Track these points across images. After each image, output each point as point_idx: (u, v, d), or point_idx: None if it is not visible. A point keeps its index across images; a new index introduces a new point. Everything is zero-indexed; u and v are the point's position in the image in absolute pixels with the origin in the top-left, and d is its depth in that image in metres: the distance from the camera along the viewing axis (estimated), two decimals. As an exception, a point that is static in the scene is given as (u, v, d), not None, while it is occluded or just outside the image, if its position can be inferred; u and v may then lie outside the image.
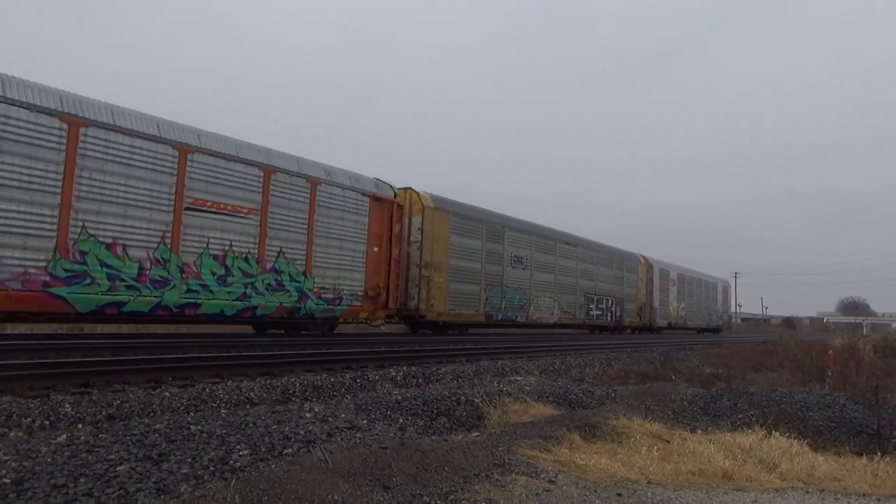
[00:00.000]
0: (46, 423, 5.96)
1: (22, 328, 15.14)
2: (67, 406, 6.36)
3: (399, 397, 7.46)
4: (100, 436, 5.03)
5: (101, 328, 15.91)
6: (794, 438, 6.59)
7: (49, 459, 4.39)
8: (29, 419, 5.93)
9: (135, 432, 5.16)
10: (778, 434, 6.62)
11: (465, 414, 7.20)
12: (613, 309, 30.83)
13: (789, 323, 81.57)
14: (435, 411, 7.12)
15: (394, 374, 10.11)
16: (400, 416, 6.76)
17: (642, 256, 35.77)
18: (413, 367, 11.04)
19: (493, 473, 4.73)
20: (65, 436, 5.02)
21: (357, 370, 10.37)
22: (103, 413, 6.38)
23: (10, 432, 5.59)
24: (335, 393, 8.49)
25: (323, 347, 13.26)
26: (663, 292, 37.03)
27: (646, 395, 8.88)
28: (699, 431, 6.86)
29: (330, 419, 5.99)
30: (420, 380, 10.09)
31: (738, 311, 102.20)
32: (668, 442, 6.11)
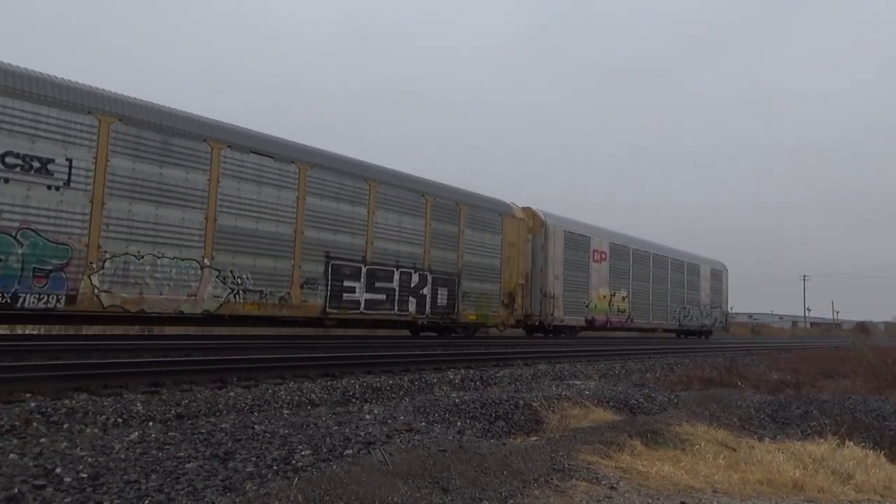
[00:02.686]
0: (120, 420, 6.11)
1: (96, 329, 15.31)
2: (139, 405, 6.51)
3: (457, 400, 7.43)
4: (169, 434, 5.13)
5: (169, 330, 16.30)
6: (870, 449, 6.35)
7: (122, 456, 4.49)
8: (104, 417, 6.08)
9: (202, 431, 5.25)
10: (852, 444, 6.40)
11: (523, 418, 7.16)
12: (425, 291, 17.49)
13: (863, 328, 77.89)
14: (493, 415, 7.09)
15: (451, 376, 10.13)
16: (458, 419, 6.75)
17: (515, 205, 22.36)
18: (471, 370, 11.03)
19: (552, 478, 4.66)
20: (137, 433, 5.14)
21: (415, 373, 10.42)
22: (172, 412, 6.51)
23: (87, 429, 5.75)
24: (394, 395, 8.52)
25: (382, 350, 13.39)
26: (576, 270, 24.24)
27: (710, 401, 8.68)
28: (767, 440, 6.68)
29: (389, 421, 6.02)
30: (478, 383, 10.10)
31: (806, 313, 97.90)
32: (734, 450, 5.95)
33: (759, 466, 5.41)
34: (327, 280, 15.08)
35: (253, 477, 4.26)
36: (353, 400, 8.00)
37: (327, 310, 15.05)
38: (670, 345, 24.72)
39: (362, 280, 15.93)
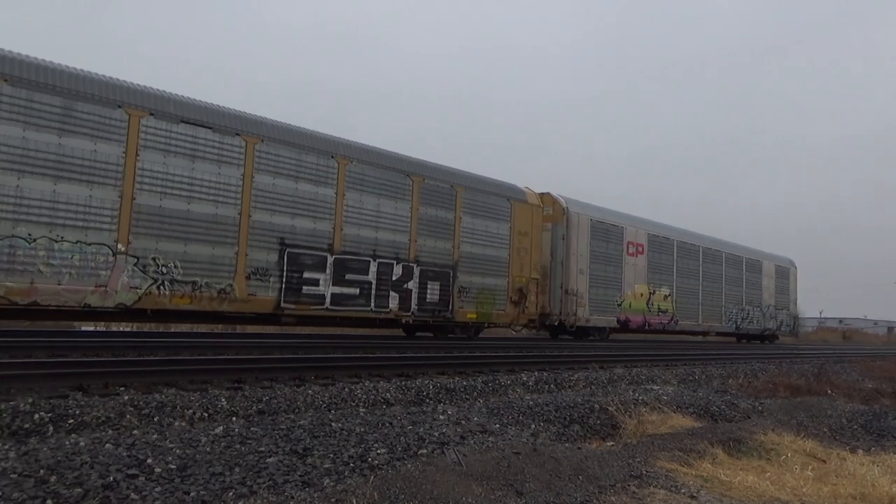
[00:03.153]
0: (205, 415, 6.33)
1: (184, 326, 15.79)
2: (223, 400, 6.72)
3: (531, 402, 7.45)
4: (251, 429, 5.32)
5: (250, 328, 16.28)
6: (980, 464, 6.00)
7: (208, 449, 4.70)
8: (190, 411, 6.31)
9: (282, 427, 5.43)
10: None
11: (598, 422, 7.19)
12: (410, 285, 15.33)
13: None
14: (568, 418, 7.10)
15: (525, 379, 10.10)
16: (532, 422, 6.76)
17: (529, 189, 19.48)
18: (544, 373, 10.92)
19: (629, 485, 4.68)
20: (221, 427, 5.34)
21: (488, 374, 10.47)
22: (254, 408, 6.71)
23: (175, 422, 6.00)
24: (467, 396, 8.56)
25: (455, 351, 13.68)
26: (606, 264, 21.41)
27: (797, 410, 8.42)
28: (860, 451, 6.52)
29: (462, 422, 6.09)
30: (552, 386, 10.04)
31: None
32: (823, 461, 5.84)
33: (851, 480, 5.24)
34: (282, 271, 13.11)
35: (330, 473, 4.44)
36: (427, 400, 8.08)
37: (282, 305, 13.09)
38: (753, 350, 22.67)
39: (328, 271, 13.88)
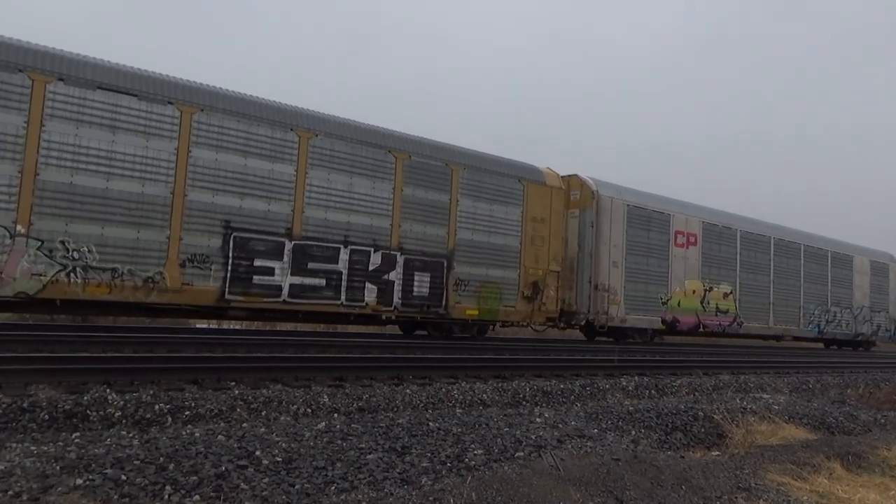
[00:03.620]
0: (309, 410, 6.55)
1: (289, 326, 15.97)
2: (325, 397, 6.93)
3: (630, 408, 7.31)
4: (352, 426, 5.56)
5: (352, 328, 16.40)
6: None
7: (311, 443, 4.95)
8: (295, 406, 6.54)
9: (381, 425, 5.64)
10: None
11: (703, 430, 7.01)
12: (392, 276, 13.46)
13: None
14: (670, 425, 6.93)
15: (625, 383, 9.84)
16: (632, 428, 6.63)
17: (550, 170, 17.08)
18: (645, 378, 10.65)
19: (737, 498, 4.60)
20: (324, 423, 5.63)
21: (586, 378, 10.36)
22: (355, 405, 6.90)
23: (281, 417, 6.23)
24: (564, 400, 8.47)
25: (552, 353, 13.98)
26: (647, 256, 18.50)
27: None
28: None
29: (560, 426, 6.10)
30: (653, 391, 9.75)
31: None
32: None
33: None
34: (227, 257, 11.56)
35: (428, 472, 4.58)
36: (524, 402, 8.02)
37: (227, 296, 11.53)
38: (872, 358, 21.05)
39: (286, 259, 12.22)
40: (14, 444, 4.69)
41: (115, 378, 7.07)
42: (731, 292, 21.23)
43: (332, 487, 4.16)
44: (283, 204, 12.26)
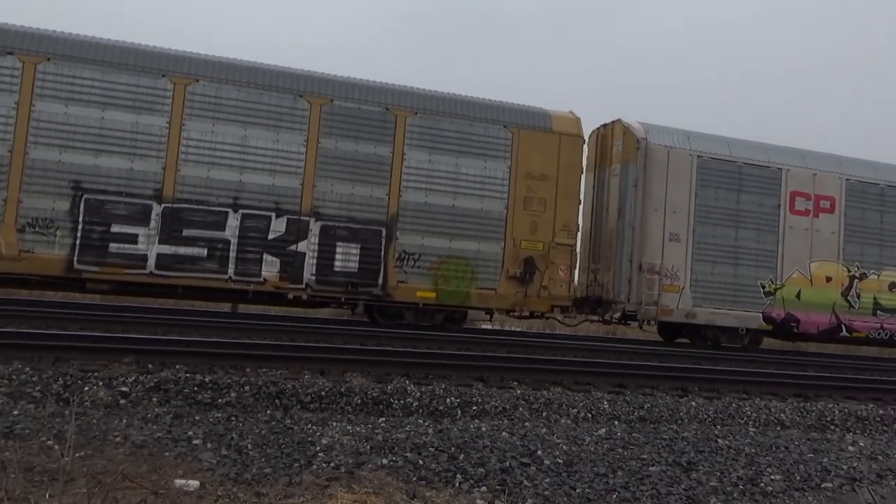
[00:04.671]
0: (588, 415, 6.58)
1: (568, 330, 14.72)
2: (605, 403, 6.94)
3: None
4: (633, 435, 5.58)
5: (630, 333, 15.79)
6: None
7: (592, 449, 5.10)
8: (575, 410, 6.64)
9: (664, 437, 5.61)
10: None
11: None
12: (302, 246, 11.13)
13: None
14: None
15: None
16: None
17: (563, 113, 12.91)
18: None
19: None
20: (604, 430, 5.68)
21: None
22: (635, 414, 6.79)
23: (561, 419, 6.35)
24: (885, 428, 7.59)
25: (866, 372, 12.08)
26: (738, 225, 13.42)
27: None
28: None
29: (879, 458, 5.70)
30: None
31: None
32: None
33: None
34: (76, 222, 10.30)
35: (717, 492, 4.46)
36: (832, 427, 7.41)
37: (76, 266, 10.26)
38: None
39: (153, 224, 10.59)
40: (334, 423, 5.37)
41: (413, 371, 7.53)
42: (904, 282, 14.50)
43: (614, 496, 4.25)
44: (150, 161, 10.64)
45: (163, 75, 10.75)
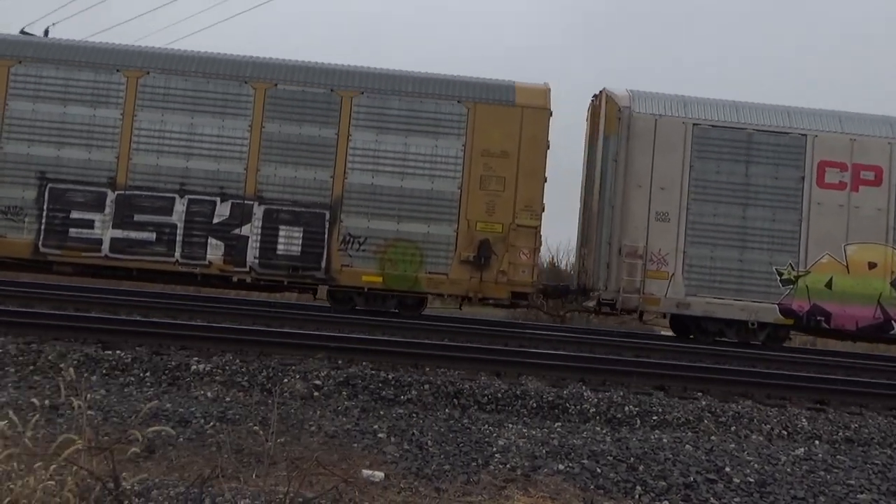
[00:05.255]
0: (784, 433, 6.24)
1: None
2: (804, 420, 6.54)
3: None
4: (837, 457, 5.16)
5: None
6: None
7: (788, 469, 4.70)
8: (768, 426, 6.32)
9: (875, 461, 5.13)
10: None
11: None
12: (245, 230, 10.87)
13: None
14: None
15: None
16: None
17: (529, 84, 11.80)
18: None
19: None
20: (802, 450, 5.30)
21: None
22: (840, 434, 6.35)
23: (752, 435, 6.05)
24: None
25: None
26: (745, 202, 11.44)
27: None
28: None
29: None
30: None
31: None
32: None
33: None
34: (41, 210, 11.26)
35: None
36: None
37: (41, 249, 11.22)
38: None
39: (108, 210, 11.28)
40: (510, 425, 5.46)
41: (589, 377, 7.52)
42: None
43: None
44: (105, 151, 11.35)
45: (117, 70, 11.41)
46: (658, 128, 11.64)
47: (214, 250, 11.30)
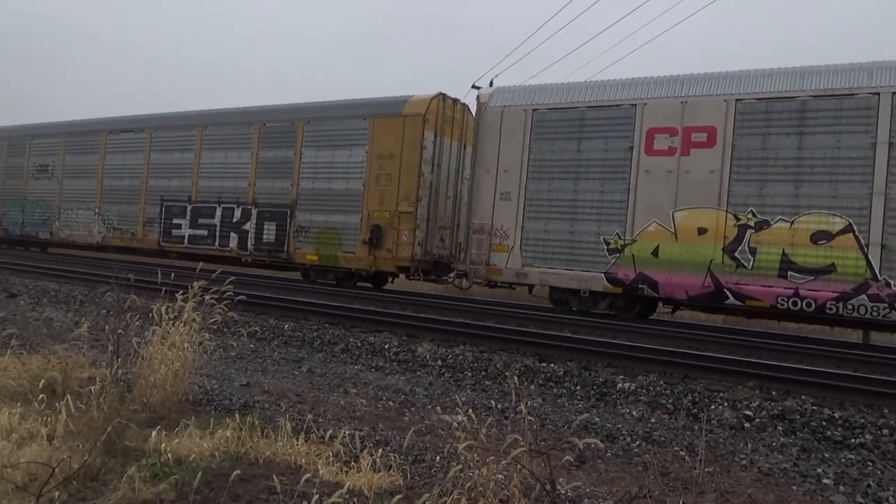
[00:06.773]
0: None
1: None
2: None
3: None
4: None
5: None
6: None
7: None
8: None
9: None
10: None
11: None
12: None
13: None
14: None
15: None
16: None
17: (420, 97, 12.85)
18: None
19: None
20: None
21: None
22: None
23: None
24: None
25: None
26: (577, 177, 11.54)
27: None
28: None
29: None
30: None
31: None
32: None
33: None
34: (161, 219, 18.40)
35: None
36: None
37: (161, 242, 18.36)
38: None
39: (187, 217, 17.85)
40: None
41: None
42: (845, 229, 10.10)
43: None
44: (187, 180, 17.95)
45: (193, 127, 17.93)
46: (504, 117, 13.12)
47: (233, 241, 16.82)
